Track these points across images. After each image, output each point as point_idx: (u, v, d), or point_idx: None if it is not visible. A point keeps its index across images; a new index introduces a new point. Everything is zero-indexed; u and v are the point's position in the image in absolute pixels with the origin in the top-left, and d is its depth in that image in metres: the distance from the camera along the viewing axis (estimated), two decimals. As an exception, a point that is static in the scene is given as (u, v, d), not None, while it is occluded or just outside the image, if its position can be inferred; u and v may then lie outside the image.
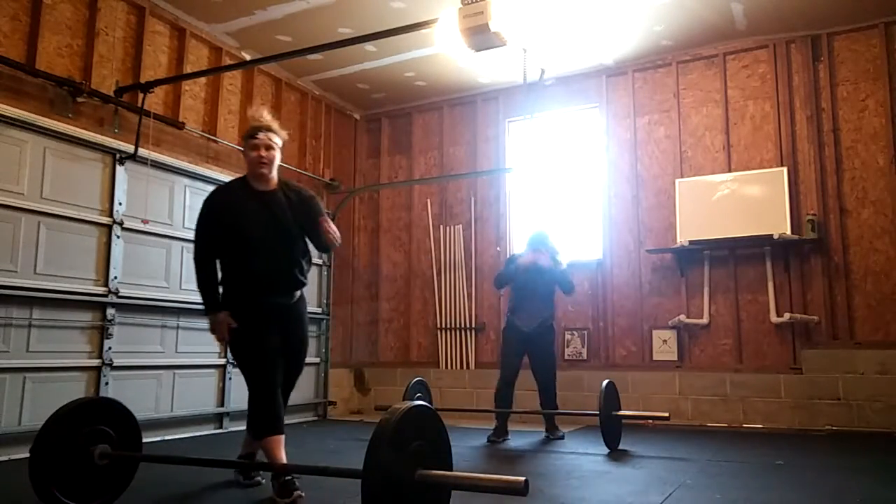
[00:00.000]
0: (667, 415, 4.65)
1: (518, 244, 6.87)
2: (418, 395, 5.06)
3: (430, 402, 5.19)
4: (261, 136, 3.08)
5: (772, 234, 5.58)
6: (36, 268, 4.33)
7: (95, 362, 4.63)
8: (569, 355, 6.41)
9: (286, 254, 3.10)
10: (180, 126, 5.45)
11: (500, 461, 4.19)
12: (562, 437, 4.90)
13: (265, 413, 3.00)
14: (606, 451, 4.34)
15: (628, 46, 6.18)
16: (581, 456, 4.25)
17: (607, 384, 4.52)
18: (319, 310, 6.85)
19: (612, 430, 4.42)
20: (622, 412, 4.63)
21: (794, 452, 4.30)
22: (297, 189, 3.24)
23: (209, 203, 3.13)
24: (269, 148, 3.09)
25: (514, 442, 4.84)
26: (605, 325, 6.32)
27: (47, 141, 4.49)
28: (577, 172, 6.76)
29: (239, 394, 5.73)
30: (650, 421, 5.73)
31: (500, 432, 4.90)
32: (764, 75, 6.02)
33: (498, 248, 6.87)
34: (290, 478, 2.83)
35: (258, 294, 3.07)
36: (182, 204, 5.44)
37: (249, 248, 3.03)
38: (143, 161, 5.00)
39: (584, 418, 6.08)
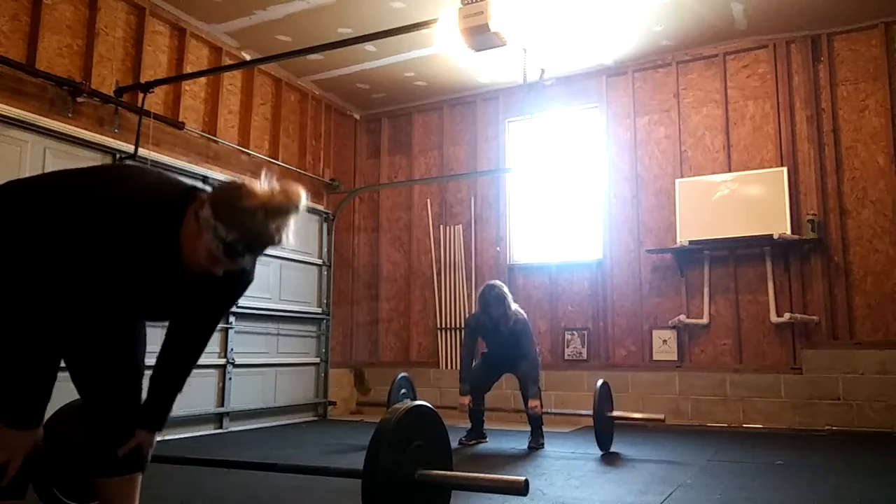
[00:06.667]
0: (662, 417, 4.60)
1: (516, 245, 6.89)
2: (403, 391, 4.99)
3: (414, 396, 4.98)
4: (256, 252, 1.76)
5: (772, 234, 5.58)
6: (36, 268, 4.34)
7: (95, 362, 4.63)
8: (569, 355, 6.41)
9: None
10: (180, 126, 5.45)
11: (500, 461, 4.18)
12: (541, 446, 4.61)
13: None
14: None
15: (628, 46, 6.18)
16: (581, 456, 4.25)
17: (601, 385, 4.44)
18: (319, 310, 6.85)
19: (604, 432, 4.35)
20: (615, 413, 4.53)
21: (794, 452, 4.30)
22: None
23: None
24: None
25: (513, 442, 4.84)
26: (605, 325, 6.32)
27: (47, 141, 4.49)
28: (577, 172, 6.76)
29: (239, 394, 5.75)
30: (651, 425, 5.73)
31: (474, 434, 4.82)
32: (764, 75, 6.02)
33: (498, 249, 6.87)
34: None
35: None
36: (182, 204, 5.43)
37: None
38: (143, 161, 5.00)
39: (584, 419, 6.09)
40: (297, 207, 1.70)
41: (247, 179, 1.72)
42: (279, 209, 1.67)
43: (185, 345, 2.09)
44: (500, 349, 4.86)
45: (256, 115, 6.33)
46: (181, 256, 1.74)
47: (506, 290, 4.75)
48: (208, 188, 1.74)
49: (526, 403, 4.73)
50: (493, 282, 4.85)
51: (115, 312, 1.85)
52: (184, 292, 1.89)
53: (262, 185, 1.69)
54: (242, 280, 1.99)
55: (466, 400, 4.73)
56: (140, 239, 1.70)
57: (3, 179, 3.74)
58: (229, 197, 1.67)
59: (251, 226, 1.66)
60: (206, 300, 1.98)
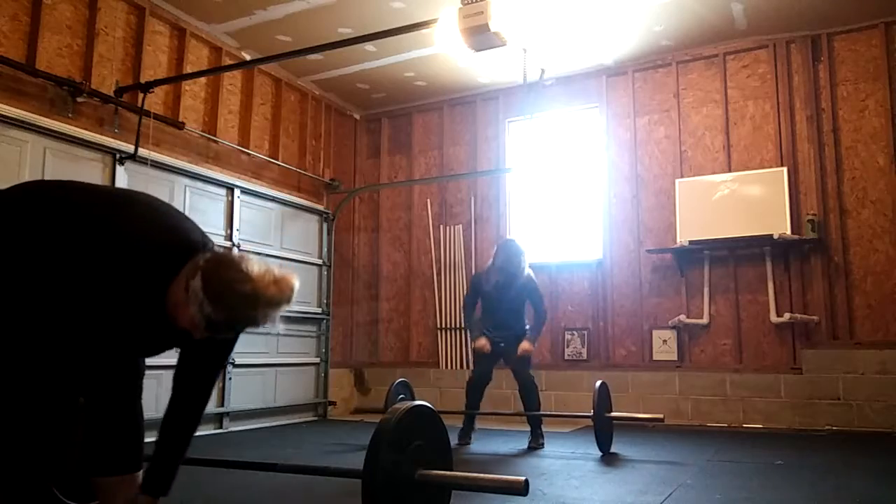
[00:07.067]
0: (661, 416, 4.59)
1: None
2: (401, 396, 4.96)
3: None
4: (238, 331, 1.82)
5: (772, 234, 5.59)
6: (36, 268, 4.34)
7: (95, 362, 4.62)
8: (569, 355, 6.41)
9: None
10: (180, 126, 5.45)
11: (500, 461, 4.19)
12: (541, 446, 4.61)
13: None
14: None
15: (628, 46, 6.18)
16: (581, 456, 4.25)
17: (600, 385, 4.42)
18: (319, 310, 6.85)
19: (604, 433, 4.33)
20: (614, 413, 4.50)
21: (794, 452, 4.30)
22: None
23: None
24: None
25: (513, 443, 4.84)
26: (605, 325, 6.32)
27: (47, 141, 4.49)
28: (577, 172, 6.76)
29: (239, 394, 5.75)
30: (651, 425, 5.73)
31: (466, 435, 4.77)
32: (764, 75, 6.02)
33: (498, 248, 6.87)
34: None
35: None
36: (182, 204, 5.43)
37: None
38: (143, 161, 5.00)
39: (583, 419, 6.09)
40: (288, 301, 1.70)
41: (245, 258, 1.71)
42: (270, 301, 1.66)
43: (186, 405, 2.09)
44: (500, 314, 4.77)
45: (256, 115, 6.33)
46: (165, 309, 1.73)
47: (523, 247, 4.75)
48: (208, 251, 1.72)
49: (523, 402, 4.67)
50: (511, 237, 4.81)
51: (100, 343, 1.82)
52: (169, 336, 1.87)
53: (259, 268, 1.68)
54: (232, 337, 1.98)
55: (482, 341, 4.74)
56: (126, 278, 1.69)
57: (3, 179, 3.74)
58: (223, 276, 1.65)
59: (238, 310, 1.65)
60: (194, 348, 1.97)
